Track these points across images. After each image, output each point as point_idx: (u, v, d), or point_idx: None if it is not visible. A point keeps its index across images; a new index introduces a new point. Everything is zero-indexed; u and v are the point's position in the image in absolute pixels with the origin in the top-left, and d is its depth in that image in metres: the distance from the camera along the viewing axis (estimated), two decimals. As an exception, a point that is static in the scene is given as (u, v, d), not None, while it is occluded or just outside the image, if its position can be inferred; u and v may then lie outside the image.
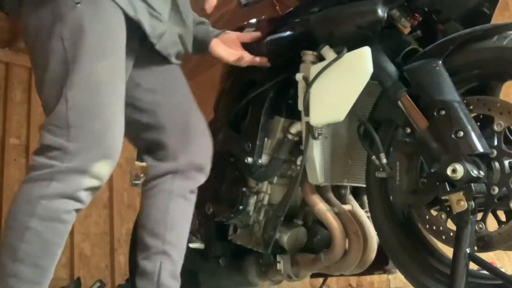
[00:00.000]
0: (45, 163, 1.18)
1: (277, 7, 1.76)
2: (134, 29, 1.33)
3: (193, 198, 1.54)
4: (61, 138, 1.18)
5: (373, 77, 1.32)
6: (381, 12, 1.33)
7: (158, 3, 1.37)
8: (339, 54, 1.39)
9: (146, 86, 1.48)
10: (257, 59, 1.67)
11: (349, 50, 1.38)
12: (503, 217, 1.27)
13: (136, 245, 1.48)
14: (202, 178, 1.56)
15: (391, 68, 1.36)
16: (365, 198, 1.71)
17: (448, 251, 1.28)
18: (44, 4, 1.27)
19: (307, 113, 1.48)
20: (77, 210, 1.23)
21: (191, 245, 2.02)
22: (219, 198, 1.92)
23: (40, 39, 1.28)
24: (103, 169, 1.21)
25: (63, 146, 1.18)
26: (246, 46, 1.71)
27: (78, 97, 1.21)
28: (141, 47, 1.42)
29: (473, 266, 1.20)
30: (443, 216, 1.30)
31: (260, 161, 1.70)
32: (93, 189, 1.23)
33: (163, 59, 1.48)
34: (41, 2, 1.28)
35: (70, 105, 1.20)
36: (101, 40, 1.26)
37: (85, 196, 1.22)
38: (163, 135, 1.49)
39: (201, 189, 2.08)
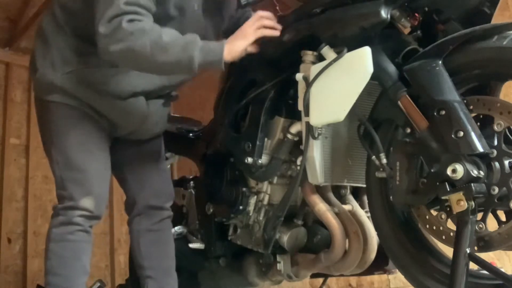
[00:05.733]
0: (55, 207, 1.69)
1: (277, 7, 1.75)
2: None
3: (159, 225, 1.90)
4: (60, 190, 1.68)
5: (373, 77, 1.32)
6: (384, 13, 1.33)
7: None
8: (339, 54, 1.39)
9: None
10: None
11: (349, 50, 1.38)
12: (503, 217, 1.27)
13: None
14: (164, 213, 1.92)
15: (391, 68, 1.36)
16: (365, 198, 1.71)
17: (448, 251, 1.28)
18: None
19: (307, 113, 1.48)
20: (82, 231, 1.64)
21: (191, 245, 2.02)
22: (219, 198, 1.93)
23: None
24: (88, 203, 1.65)
25: (60, 194, 1.68)
26: None
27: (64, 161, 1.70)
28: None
29: (473, 266, 1.20)
30: (443, 216, 1.30)
31: (260, 161, 1.70)
32: (86, 216, 1.65)
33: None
34: None
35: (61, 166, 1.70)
36: None
37: (81, 221, 1.64)
38: (124, 186, 1.95)
39: (201, 189, 2.10)
